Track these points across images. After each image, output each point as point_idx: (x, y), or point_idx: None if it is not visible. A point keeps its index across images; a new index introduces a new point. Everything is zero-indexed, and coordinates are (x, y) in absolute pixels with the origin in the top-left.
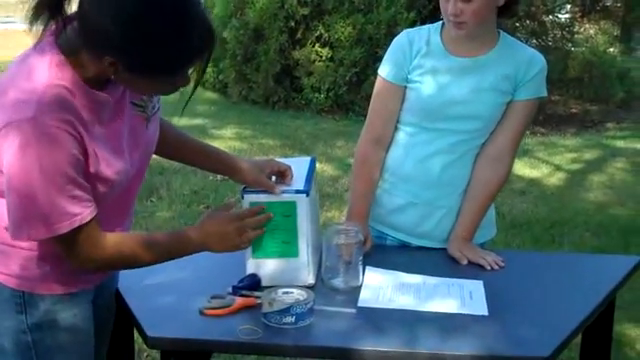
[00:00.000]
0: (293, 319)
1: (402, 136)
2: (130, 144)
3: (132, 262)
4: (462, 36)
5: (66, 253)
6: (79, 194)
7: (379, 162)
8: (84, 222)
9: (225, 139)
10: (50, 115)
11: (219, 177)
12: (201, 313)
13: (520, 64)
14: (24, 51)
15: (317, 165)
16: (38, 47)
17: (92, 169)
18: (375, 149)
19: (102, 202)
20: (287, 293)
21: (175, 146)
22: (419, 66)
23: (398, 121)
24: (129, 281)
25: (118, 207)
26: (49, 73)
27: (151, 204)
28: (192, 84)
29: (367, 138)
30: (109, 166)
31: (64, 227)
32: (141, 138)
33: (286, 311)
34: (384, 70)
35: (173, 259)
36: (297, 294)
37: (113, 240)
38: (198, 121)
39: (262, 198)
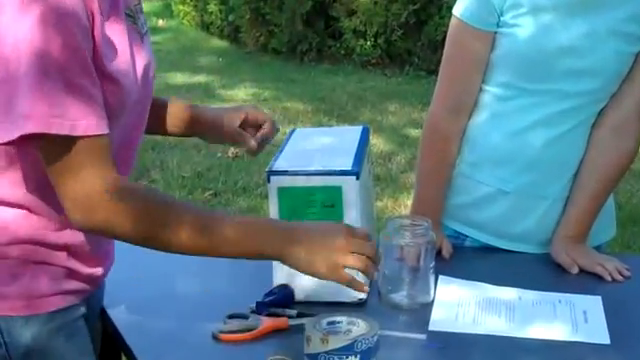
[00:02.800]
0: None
1: (489, 101)
2: (131, 54)
3: (161, 229)
4: None
5: (66, 186)
6: (93, 92)
7: (457, 135)
8: (100, 132)
9: (237, 102)
10: None
11: (230, 153)
12: (215, 338)
13: None
14: None
15: None
16: None
17: (100, 61)
18: (452, 119)
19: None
20: (337, 324)
21: None
22: (515, 4)
23: (484, 81)
24: (117, 294)
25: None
26: None
27: None
28: None
29: (440, 105)
30: (116, 62)
31: (79, 127)
32: (139, 53)
33: (348, 349)
34: (463, 9)
35: (222, 255)
36: (355, 322)
37: (140, 186)
38: (200, 78)
39: (298, 181)
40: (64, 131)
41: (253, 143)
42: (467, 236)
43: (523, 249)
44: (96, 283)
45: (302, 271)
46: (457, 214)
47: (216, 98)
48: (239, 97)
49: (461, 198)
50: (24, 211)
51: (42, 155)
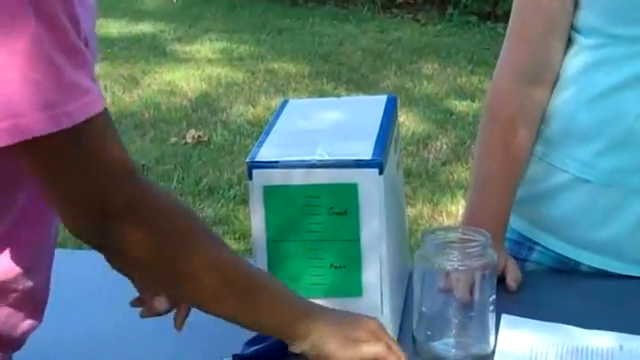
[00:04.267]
0: None
1: (578, 55)
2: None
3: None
4: None
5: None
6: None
7: (532, 117)
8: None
9: (200, 62)
10: None
11: (188, 137)
12: None
13: None
14: None
15: None
16: None
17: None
18: (524, 93)
19: None
20: None
21: None
22: None
23: (572, 27)
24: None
25: None
26: None
27: None
28: None
29: (508, 73)
30: (82, 20)
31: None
32: (83, 5)
33: None
34: None
35: (236, 320)
36: None
37: (170, 196)
38: (144, 27)
39: (294, 177)
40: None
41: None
42: (536, 243)
43: (625, 270)
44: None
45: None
46: (521, 210)
47: (167, 57)
48: (202, 55)
49: (527, 188)
50: None
51: None
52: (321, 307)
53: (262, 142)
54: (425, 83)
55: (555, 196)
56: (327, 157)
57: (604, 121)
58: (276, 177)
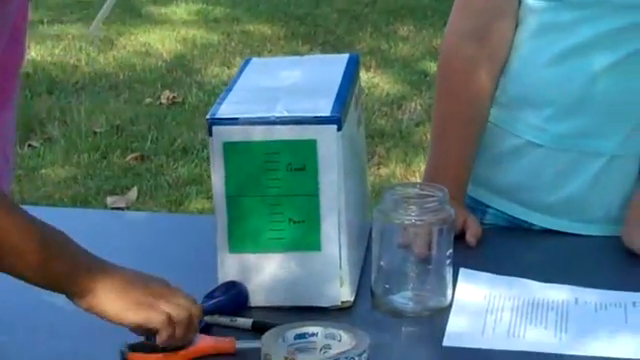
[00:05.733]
0: None
1: (528, 19)
2: None
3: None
4: None
5: None
6: None
7: (483, 67)
8: None
9: (175, 24)
10: None
11: (163, 98)
12: (123, 358)
13: None
14: None
15: (362, 70)
16: None
17: None
18: (473, 45)
19: None
20: (309, 337)
21: None
22: None
23: None
24: None
25: None
26: None
27: (30, 152)
28: None
29: (455, 28)
30: None
31: None
32: None
33: None
34: None
35: (43, 283)
36: (335, 335)
37: None
38: None
39: (254, 134)
40: None
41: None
42: (488, 206)
43: (575, 229)
44: None
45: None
46: (474, 175)
47: (143, 18)
48: (177, 17)
49: (480, 153)
50: None
51: None
52: (113, 266)
53: (223, 99)
54: (400, 45)
55: (507, 160)
56: (286, 114)
57: (554, 86)
58: (236, 134)
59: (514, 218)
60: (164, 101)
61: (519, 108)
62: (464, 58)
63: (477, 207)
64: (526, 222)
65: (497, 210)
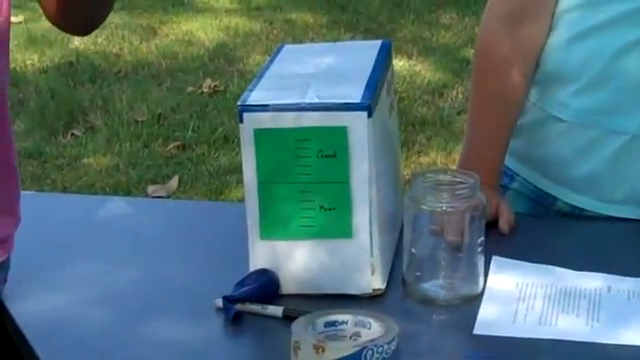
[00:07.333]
0: None
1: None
2: None
3: None
4: None
5: None
6: None
7: (520, 55)
8: None
9: (218, 12)
10: None
11: (205, 87)
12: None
13: None
14: None
15: (395, 59)
16: None
17: None
18: (510, 32)
19: None
20: (338, 325)
21: None
22: None
23: None
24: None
25: None
26: None
27: (73, 141)
28: None
29: (494, 14)
30: None
31: None
32: None
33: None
34: None
35: None
36: (365, 323)
37: None
38: None
39: (284, 120)
40: None
41: None
42: (516, 174)
43: (615, 212)
44: None
45: None
46: (518, 154)
47: (185, 6)
48: (219, 5)
49: (527, 135)
50: None
51: None
52: None
53: (254, 86)
54: (443, 32)
55: (532, 133)
56: (317, 100)
57: (580, 62)
58: (266, 120)
59: (540, 190)
60: (206, 90)
61: (548, 83)
62: (500, 47)
63: (507, 172)
64: (552, 196)
65: (524, 179)
